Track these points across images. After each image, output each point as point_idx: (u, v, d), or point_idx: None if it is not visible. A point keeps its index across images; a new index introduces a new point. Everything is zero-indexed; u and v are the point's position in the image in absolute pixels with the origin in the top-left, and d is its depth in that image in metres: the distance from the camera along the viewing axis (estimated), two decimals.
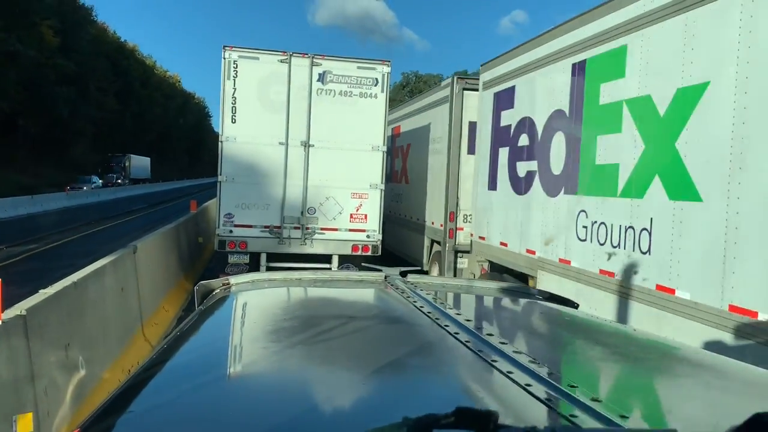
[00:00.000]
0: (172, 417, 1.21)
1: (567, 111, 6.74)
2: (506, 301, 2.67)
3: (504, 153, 8.47)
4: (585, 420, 1.08)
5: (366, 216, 10.44)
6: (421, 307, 1.96)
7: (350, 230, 10.47)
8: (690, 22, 4.76)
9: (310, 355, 1.55)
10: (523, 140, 7.86)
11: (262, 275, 2.73)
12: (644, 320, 5.13)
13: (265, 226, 10.30)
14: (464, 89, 10.06)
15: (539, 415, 1.15)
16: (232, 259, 10.34)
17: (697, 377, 1.59)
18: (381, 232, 10.55)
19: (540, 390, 1.20)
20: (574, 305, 2.53)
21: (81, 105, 53.23)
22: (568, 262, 6.52)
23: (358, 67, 10.28)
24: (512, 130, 8.20)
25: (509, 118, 8.30)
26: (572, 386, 1.22)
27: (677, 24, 4.93)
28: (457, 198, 10.09)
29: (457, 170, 10.09)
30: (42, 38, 46.06)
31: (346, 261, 10.51)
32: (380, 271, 2.70)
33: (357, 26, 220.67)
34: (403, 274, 2.65)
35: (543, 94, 7.35)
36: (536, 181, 7.45)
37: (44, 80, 46.02)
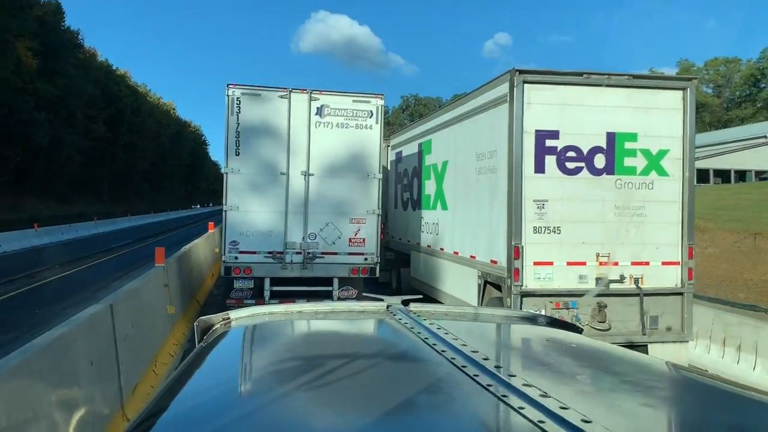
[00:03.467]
0: None
1: (417, 167, 13.78)
2: (511, 329, 2.71)
3: (399, 187, 15.58)
4: None
5: (364, 240, 11.66)
6: (426, 338, 2.01)
7: (349, 254, 11.66)
8: (446, 133, 11.66)
9: (316, 395, 1.58)
10: (405, 180, 14.98)
11: (262, 309, 2.77)
12: (446, 267, 11.44)
13: (269, 252, 11.42)
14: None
15: None
16: (237, 284, 11.46)
17: (716, 409, 1.64)
18: (379, 255, 11.79)
19: (552, 427, 1.25)
20: (578, 330, 2.62)
21: (66, 133, 52.27)
22: (418, 243, 13.51)
23: (354, 101, 11.55)
24: (402, 174, 15.33)
25: (400, 167, 15.59)
26: (586, 421, 1.27)
27: (444, 133, 11.83)
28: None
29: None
30: (19, 60, 44.69)
31: (345, 283, 11.74)
32: (382, 300, 2.71)
33: (343, 53, 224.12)
34: (405, 303, 2.68)
35: (408, 156, 14.59)
36: (409, 203, 14.54)
37: (23, 106, 44.60)
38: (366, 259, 11.66)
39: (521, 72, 8.29)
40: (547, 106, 8.32)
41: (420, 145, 13.53)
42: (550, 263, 8.30)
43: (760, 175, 48.61)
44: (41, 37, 48.81)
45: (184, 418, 1.49)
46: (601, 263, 8.31)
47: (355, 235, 11.64)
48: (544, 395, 1.41)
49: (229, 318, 2.53)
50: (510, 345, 2.54)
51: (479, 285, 9.54)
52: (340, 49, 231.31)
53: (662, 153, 8.45)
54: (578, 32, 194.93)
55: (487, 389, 1.48)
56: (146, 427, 1.40)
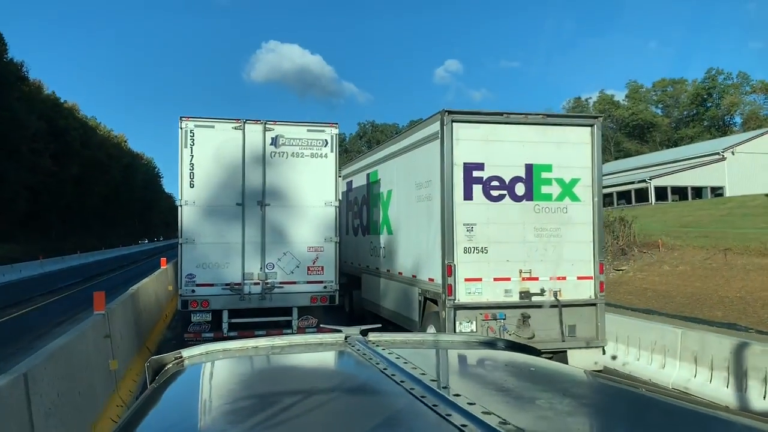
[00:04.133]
0: None
1: (366, 195, 15.09)
2: (471, 355, 2.76)
3: (350, 214, 16.89)
4: None
5: (323, 268, 11.89)
6: (385, 369, 2.02)
7: (308, 282, 11.87)
8: (390, 164, 12.85)
9: None
10: (355, 208, 16.25)
11: (216, 346, 2.74)
12: (392, 287, 12.56)
13: (226, 284, 11.55)
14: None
15: None
16: (194, 318, 11.44)
17: (671, 426, 1.73)
18: (338, 282, 12.09)
19: None
20: (536, 353, 2.67)
21: (10, 168, 51.33)
22: (368, 266, 14.70)
23: (308, 130, 11.90)
24: (352, 202, 16.66)
25: (350, 195, 16.91)
26: None
27: (388, 164, 13.04)
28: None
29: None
30: None
31: (305, 313, 11.97)
32: (340, 331, 2.73)
33: (295, 81, 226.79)
34: (364, 333, 2.69)
35: (358, 186, 15.90)
36: (359, 229, 15.77)
37: None
38: (325, 287, 11.88)
39: (450, 113, 9.68)
40: (473, 142, 9.70)
41: (368, 175, 14.71)
42: (479, 279, 9.61)
43: (715, 191, 51.39)
44: None
45: None
46: (523, 278, 9.67)
47: (314, 263, 11.83)
48: (504, 422, 1.45)
49: (181, 357, 2.50)
50: (469, 372, 2.57)
51: (419, 301, 10.75)
52: (293, 77, 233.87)
53: (574, 181, 9.91)
54: (526, 57, 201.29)
55: (446, 419, 1.50)
56: None
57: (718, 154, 53.03)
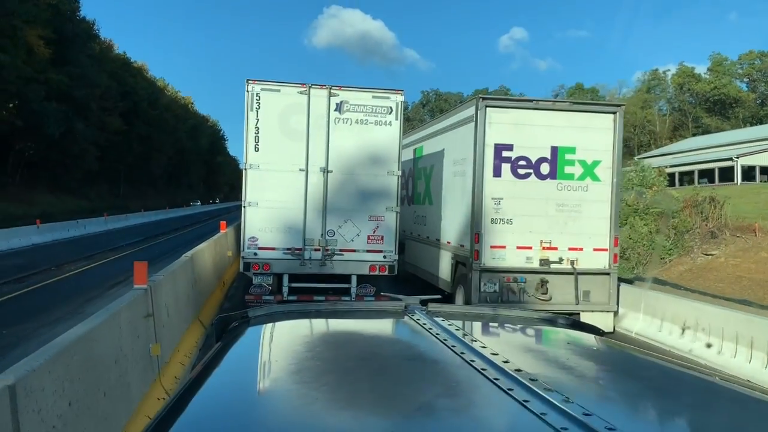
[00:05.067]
0: None
1: (412, 168, 16.98)
2: (531, 331, 2.84)
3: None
4: None
5: (382, 237, 12.13)
6: (445, 340, 2.07)
7: (368, 251, 12.13)
8: (433, 142, 14.92)
9: (334, 396, 1.67)
10: (403, 180, 15.55)
11: (280, 308, 2.93)
12: (430, 251, 14.62)
13: (287, 249, 11.93)
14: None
15: None
16: (256, 280, 12.01)
17: (736, 414, 1.73)
18: (397, 252, 12.37)
19: None
20: (599, 332, 2.73)
21: (79, 125, 53.45)
22: (411, 233, 16.59)
23: (373, 97, 12.01)
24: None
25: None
26: (610, 429, 1.31)
27: (431, 142, 15.05)
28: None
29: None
30: (31, 49, 45.35)
31: (364, 281, 12.33)
32: (400, 300, 2.81)
33: (356, 48, 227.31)
34: (424, 303, 2.77)
35: (406, 160, 16.02)
36: (405, 200, 16.70)
37: (34, 96, 45.18)
38: (385, 256, 12.15)
39: (484, 98, 11.45)
40: (504, 125, 11.34)
41: (414, 150, 16.55)
42: (504, 247, 11.35)
43: None
44: (54, 25, 49.02)
45: (204, 417, 1.58)
46: (543, 248, 11.31)
47: (374, 232, 12.07)
48: (567, 400, 1.46)
49: (247, 316, 2.63)
50: (530, 348, 2.60)
51: (452, 264, 12.64)
52: (354, 44, 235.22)
53: (596, 163, 11.41)
54: (596, 27, 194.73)
55: (508, 393, 1.53)
56: (164, 428, 1.47)
57: None
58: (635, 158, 47.66)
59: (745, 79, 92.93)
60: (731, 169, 49.68)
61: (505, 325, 2.92)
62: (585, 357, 2.35)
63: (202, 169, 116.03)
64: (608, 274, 11.45)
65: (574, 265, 11.31)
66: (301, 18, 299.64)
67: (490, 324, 2.89)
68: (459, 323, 2.39)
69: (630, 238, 24.63)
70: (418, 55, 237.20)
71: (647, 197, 26.53)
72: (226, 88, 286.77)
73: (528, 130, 11.35)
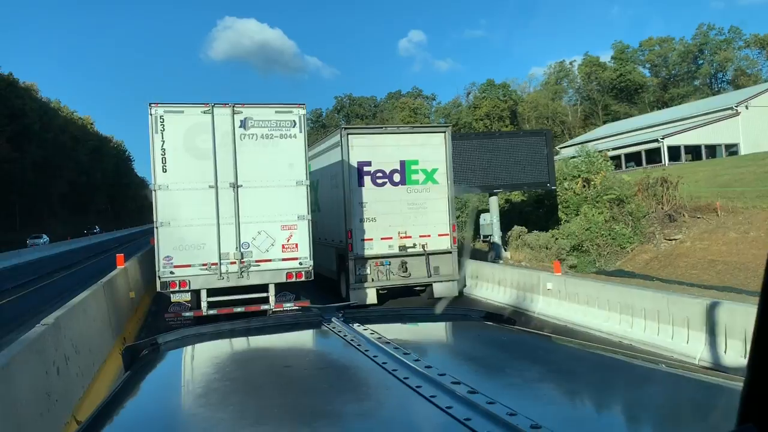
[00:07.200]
0: None
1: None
2: (444, 327, 3.13)
3: None
4: None
5: (297, 245, 13.42)
6: (359, 345, 2.23)
7: (283, 259, 13.38)
8: (316, 160, 18.66)
9: (240, 416, 1.72)
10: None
11: (191, 330, 3.06)
12: (323, 250, 17.47)
13: (203, 264, 12.95)
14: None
15: None
16: (174, 298, 13.09)
17: (643, 390, 1.93)
18: (312, 258, 13.65)
19: (479, 423, 1.41)
20: (511, 322, 3.10)
21: None
22: (318, 238, 17.29)
23: (276, 112, 13.40)
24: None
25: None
26: (512, 414, 1.42)
27: (316, 160, 18.65)
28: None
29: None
30: None
31: (282, 289, 13.73)
32: (317, 309, 3.03)
33: (257, 58, 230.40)
34: (339, 310, 2.96)
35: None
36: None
37: None
38: (301, 263, 13.35)
39: (345, 128, 16.48)
40: (363, 147, 16.16)
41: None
42: (371, 239, 16.14)
43: (729, 148, 52.30)
44: None
45: None
46: (401, 237, 16.18)
47: (288, 240, 13.26)
48: (472, 391, 1.57)
49: (156, 343, 2.69)
50: (442, 344, 2.86)
51: (336, 257, 17.24)
52: (254, 54, 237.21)
53: (434, 170, 16.40)
54: (490, 25, 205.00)
55: (416, 391, 1.65)
56: None
57: (731, 108, 53.51)
58: (556, 148, 50.35)
59: (647, 65, 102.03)
60: (657, 150, 51.82)
61: (421, 324, 3.20)
62: (494, 347, 2.58)
63: (108, 193, 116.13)
64: (450, 252, 16.42)
65: (425, 248, 16.20)
66: (195, 32, 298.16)
67: (407, 325, 3.20)
68: (375, 327, 2.55)
69: (587, 230, 25.68)
70: (321, 62, 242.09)
71: (597, 184, 26.94)
72: (128, 107, 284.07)
73: (381, 150, 16.18)
